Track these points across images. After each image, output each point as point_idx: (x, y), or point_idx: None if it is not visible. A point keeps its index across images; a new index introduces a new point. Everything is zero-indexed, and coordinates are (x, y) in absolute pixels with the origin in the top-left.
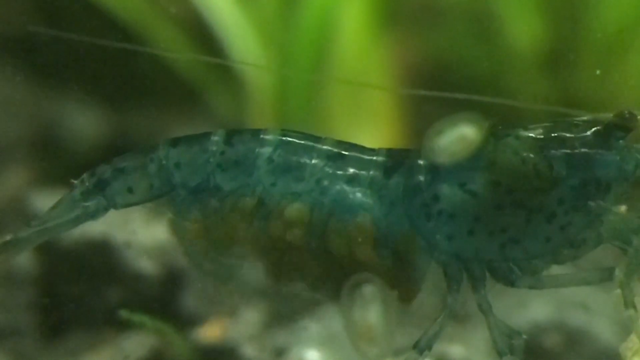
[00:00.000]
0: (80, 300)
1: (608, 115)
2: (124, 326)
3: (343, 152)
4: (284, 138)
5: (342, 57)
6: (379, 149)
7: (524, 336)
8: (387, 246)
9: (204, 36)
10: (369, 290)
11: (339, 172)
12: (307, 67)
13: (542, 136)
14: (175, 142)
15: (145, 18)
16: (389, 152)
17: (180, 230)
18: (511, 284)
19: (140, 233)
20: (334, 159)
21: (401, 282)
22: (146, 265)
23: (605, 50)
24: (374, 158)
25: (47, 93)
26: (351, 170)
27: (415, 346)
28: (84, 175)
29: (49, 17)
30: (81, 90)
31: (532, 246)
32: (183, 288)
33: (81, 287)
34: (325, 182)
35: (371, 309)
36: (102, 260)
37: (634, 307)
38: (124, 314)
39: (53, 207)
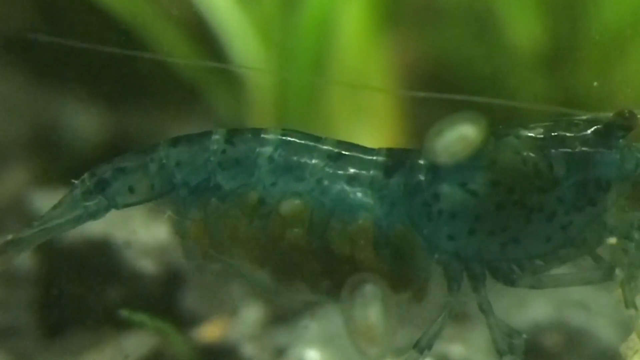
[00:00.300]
0: (80, 299)
1: (608, 115)
2: (124, 325)
3: (343, 152)
4: (284, 138)
5: (342, 57)
6: (380, 149)
7: (524, 336)
8: (388, 246)
9: (204, 37)
10: (369, 290)
11: (339, 172)
12: (307, 68)
13: (542, 135)
14: (175, 142)
15: (146, 19)
16: (390, 152)
17: (181, 229)
18: (512, 283)
19: (141, 233)
20: (335, 158)
21: (407, 281)
22: (146, 265)
23: (605, 50)
24: (375, 158)
25: (48, 93)
26: (352, 170)
27: (415, 346)
28: (85, 175)
29: (50, 18)
30: (81, 90)
31: (533, 246)
32: (183, 288)
33: (81, 286)
34: (326, 182)
35: (371, 308)
36: (102, 259)
37: (635, 306)
38: (124, 313)
39: (54, 207)
